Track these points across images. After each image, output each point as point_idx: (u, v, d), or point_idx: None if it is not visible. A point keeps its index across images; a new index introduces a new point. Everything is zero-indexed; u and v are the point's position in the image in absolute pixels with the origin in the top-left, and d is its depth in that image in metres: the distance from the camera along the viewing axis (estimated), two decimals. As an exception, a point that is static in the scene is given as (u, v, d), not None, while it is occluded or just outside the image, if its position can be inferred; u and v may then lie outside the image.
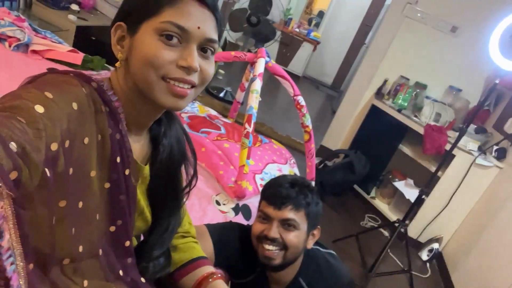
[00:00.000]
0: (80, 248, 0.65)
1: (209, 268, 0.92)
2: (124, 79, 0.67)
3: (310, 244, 1.15)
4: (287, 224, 1.07)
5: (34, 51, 1.96)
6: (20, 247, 0.46)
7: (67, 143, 0.55)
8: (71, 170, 0.58)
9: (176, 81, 0.62)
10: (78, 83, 0.59)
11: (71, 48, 2.12)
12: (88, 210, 0.64)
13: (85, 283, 0.68)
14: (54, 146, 0.51)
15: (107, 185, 0.66)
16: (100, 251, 0.70)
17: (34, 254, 0.55)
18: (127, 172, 0.68)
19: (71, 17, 2.84)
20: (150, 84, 0.62)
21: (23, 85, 0.58)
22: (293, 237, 1.07)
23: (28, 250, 0.49)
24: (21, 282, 0.48)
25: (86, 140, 0.59)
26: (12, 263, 0.45)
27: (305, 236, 1.10)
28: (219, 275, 0.90)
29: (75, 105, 0.56)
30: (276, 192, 1.08)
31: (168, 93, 0.62)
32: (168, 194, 0.81)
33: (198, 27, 0.62)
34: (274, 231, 1.06)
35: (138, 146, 0.75)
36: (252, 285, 1.19)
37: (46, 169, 0.50)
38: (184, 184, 0.86)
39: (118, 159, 0.66)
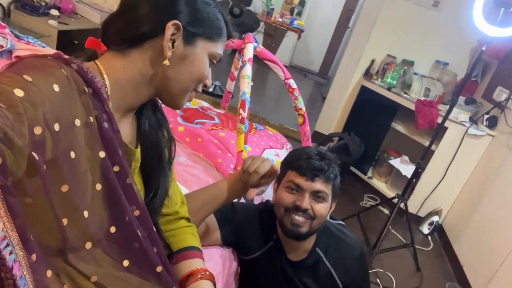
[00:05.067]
0: (94, 231, 0.64)
1: (197, 263, 0.86)
2: (143, 68, 0.69)
3: (328, 216, 1.17)
4: (317, 196, 1.08)
5: (18, 57, 1.93)
6: (16, 236, 0.45)
7: (56, 126, 0.53)
8: (72, 154, 0.57)
9: (195, 92, 0.77)
10: (57, 65, 0.58)
11: (55, 51, 2.09)
12: (89, 193, 0.63)
13: (98, 271, 0.67)
14: (37, 130, 0.50)
15: (98, 170, 0.65)
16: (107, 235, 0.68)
17: (37, 244, 0.53)
18: (119, 153, 0.67)
19: (52, 22, 2.80)
20: (186, 92, 0.74)
21: (1, 71, 0.56)
22: (322, 208, 1.08)
23: (28, 240, 0.48)
24: (24, 273, 0.47)
25: (77, 122, 0.58)
26: (11, 253, 0.44)
27: (329, 208, 1.12)
28: (207, 273, 0.85)
29: (56, 87, 0.55)
30: (309, 164, 1.07)
31: (187, 100, 0.77)
32: (156, 165, 0.81)
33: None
34: (307, 202, 1.06)
35: (126, 129, 0.75)
36: (267, 257, 1.18)
37: (34, 154, 0.48)
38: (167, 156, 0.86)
39: (108, 141, 0.65)
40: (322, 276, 1.17)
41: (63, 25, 2.88)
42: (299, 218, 1.07)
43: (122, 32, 0.69)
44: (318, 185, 1.07)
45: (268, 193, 1.49)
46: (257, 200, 1.41)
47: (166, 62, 0.68)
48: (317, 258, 1.17)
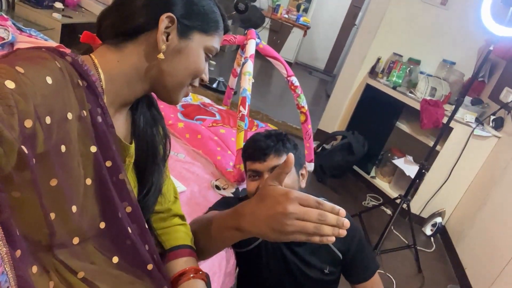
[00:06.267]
0: (85, 227, 0.63)
1: (190, 261, 0.83)
2: (136, 63, 0.68)
3: (304, 183, 1.20)
4: None
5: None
6: (0, 232, 0.44)
7: (48, 119, 0.52)
8: (63, 148, 0.56)
9: (192, 87, 0.75)
10: (51, 57, 0.57)
11: (58, 44, 2.08)
12: (81, 188, 0.61)
13: (86, 266, 0.66)
14: (28, 123, 0.49)
15: (91, 164, 0.63)
16: (96, 232, 0.67)
17: (24, 239, 0.52)
18: (113, 148, 0.66)
19: (56, 15, 2.79)
20: (181, 87, 0.72)
21: None
22: (286, 180, 1.08)
23: (13, 235, 0.47)
24: (6, 269, 0.46)
25: (70, 115, 0.57)
26: None
27: (296, 176, 1.15)
28: (200, 272, 0.82)
29: (49, 79, 0.54)
30: (256, 147, 1.12)
31: (183, 95, 0.74)
32: (151, 161, 0.80)
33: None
34: None
35: (120, 124, 0.73)
36: (265, 244, 1.18)
37: (23, 147, 0.47)
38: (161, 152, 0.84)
39: (101, 135, 0.63)
40: (319, 248, 1.19)
41: (67, 18, 2.87)
42: None
43: (116, 26, 0.68)
44: (271, 162, 1.11)
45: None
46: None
47: (161, 55, 0.67)
48: None
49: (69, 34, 2.89)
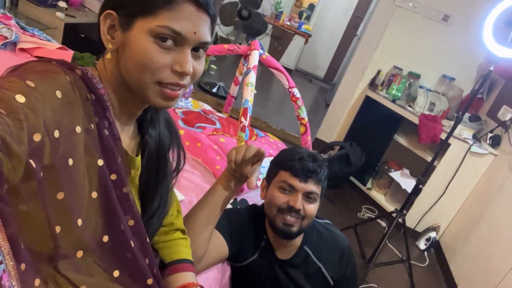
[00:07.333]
0: (87, 239, 0.63)
1: (190, 276, 0.84)
2: (113, 69, 0.66)
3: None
4: (309, 197, 1.09)
5: (22, 49, 1.92)
6: (7, 246, 0.45)
7: (56, 133, 0.53)
8: (70, 161, 0.56)
9: (170, 85, 0.62)
10: (61, 71, 0.57)
11: (60, 45, 2.08)
12: (86, 201, 0.62)
13: (87, 280, 0.66)
14: (37, 137, 0.49)
15: (96, 177, 0.63)
16: (97, 244, 0.67)
17: (27, 253, 0.53)
18: (118, 161, 0.66)
19: (59, 14, 2.79)
20: (144, 86, 0.62)
21: (4, 75, 0.56)
22: (313, 209, 1.10)
23: (18, 249, 0.48)
24: (13, 283, 0.46)
25: (78, 129, 0.57)
26: (1, 262, 0.44)
27: (317, 208, 1.14)
28: (198, 287, 0.83)
29: (58, 93, 0.54)
30: (302, 165, 1.08)
31: (161, 96, 0.63)
32: (159, 180, 0.79)
33: (194, 32, 0.61)
34: (300, 203, 1.08)
35: (127, 136, 0.73)
36: (260, 259, 1.17)
37: (31, 161, 0.48)
38: (172, 166, 0.84)
39: (107, 149, 0.64)
40: (313, 273, 1.19)
41: (70, 18, 2.87)
42: (291, 219, 1.08)
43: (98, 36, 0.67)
44: (311, 186, 1.09)
45: (251, 197, 1.49)
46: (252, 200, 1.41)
47: (108, 55, 0.64)
48: (306, 256, 1.19)
49: (72, 33, 2.89)
